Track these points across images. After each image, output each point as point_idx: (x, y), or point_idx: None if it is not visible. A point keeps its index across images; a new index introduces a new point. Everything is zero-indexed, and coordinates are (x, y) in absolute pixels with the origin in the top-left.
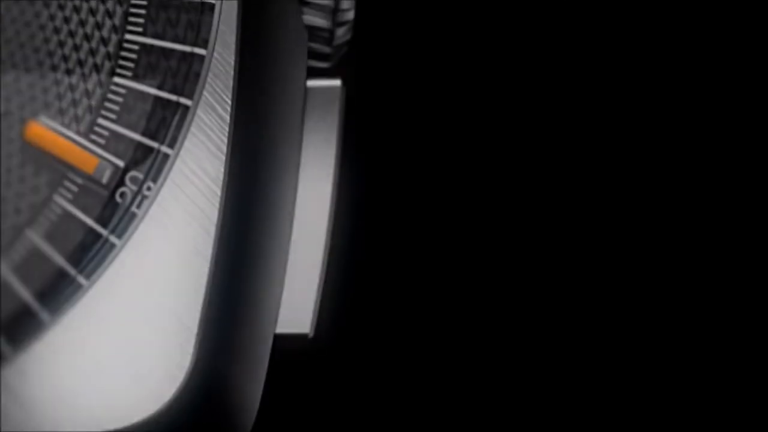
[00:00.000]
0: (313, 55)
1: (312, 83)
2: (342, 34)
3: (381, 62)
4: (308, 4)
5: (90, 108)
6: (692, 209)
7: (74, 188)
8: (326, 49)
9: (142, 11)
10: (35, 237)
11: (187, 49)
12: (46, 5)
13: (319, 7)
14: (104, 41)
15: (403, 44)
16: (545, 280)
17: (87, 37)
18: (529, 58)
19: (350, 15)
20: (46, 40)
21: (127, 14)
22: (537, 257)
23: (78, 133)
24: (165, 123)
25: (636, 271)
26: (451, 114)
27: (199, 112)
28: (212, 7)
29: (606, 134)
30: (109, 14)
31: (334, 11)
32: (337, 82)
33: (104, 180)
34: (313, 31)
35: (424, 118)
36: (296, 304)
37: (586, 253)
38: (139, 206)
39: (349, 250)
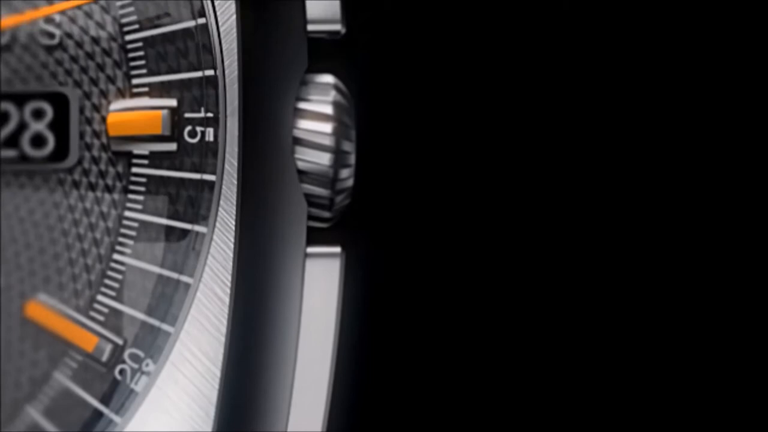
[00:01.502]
0: (313, 217)
1: (312, 249)
2: (341, 200)
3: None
4: (307, 174)
5: (89, 284)
6: (693, 209)
7: (74, 365)
8: (326, 214)
9: (141, 188)
10: (35, 413)
11: (187, 226)
12: (45, 180)
13: (319, 177)
14: (103, 217)
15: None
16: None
17: (86, 212)
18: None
19: (350, 182)
20: (46, 215)
21: (126, 190)
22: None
23: (77, 309)
24: (165, 300)
25: (642, 270)
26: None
27: (199, 293)
28: (212, 185)
29: (608, 139)
30: (108, 189)
31: (334, 180)
32: (337, 249)
33: (104, 358)
34: (312, 199)
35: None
36: None
37: (591, 262)
38: (138, 383)
39: (350, 412)
